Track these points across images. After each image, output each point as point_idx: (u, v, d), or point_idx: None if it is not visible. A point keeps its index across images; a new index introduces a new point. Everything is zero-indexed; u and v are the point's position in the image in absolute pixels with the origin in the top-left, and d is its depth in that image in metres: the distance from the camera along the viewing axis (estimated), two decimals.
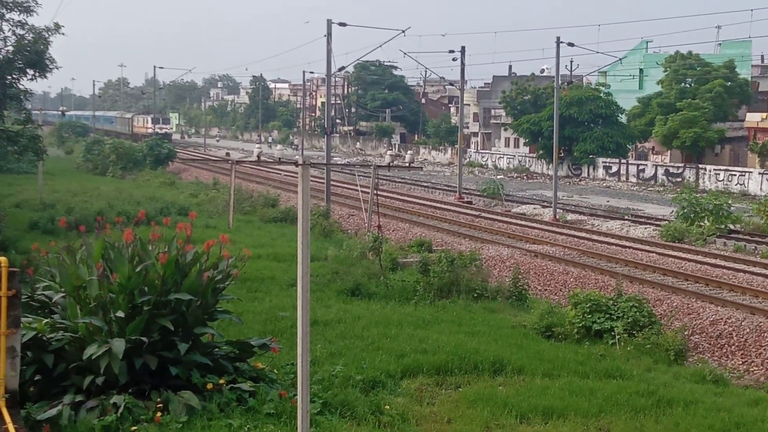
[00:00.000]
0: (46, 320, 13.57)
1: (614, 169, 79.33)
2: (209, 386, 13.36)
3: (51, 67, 35.94)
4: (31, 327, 13.09)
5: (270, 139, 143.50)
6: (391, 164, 35.07)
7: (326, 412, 13.87)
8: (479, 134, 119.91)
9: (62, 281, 13.86)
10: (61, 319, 13.74)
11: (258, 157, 32.45)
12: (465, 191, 62.11)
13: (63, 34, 35.94)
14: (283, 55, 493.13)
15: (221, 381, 13.59)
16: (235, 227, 39.89)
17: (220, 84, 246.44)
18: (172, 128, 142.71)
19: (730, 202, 45.39)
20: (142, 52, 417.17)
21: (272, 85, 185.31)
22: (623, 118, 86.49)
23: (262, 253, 31.34)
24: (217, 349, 14.50)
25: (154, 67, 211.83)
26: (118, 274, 13.39)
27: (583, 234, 42.58)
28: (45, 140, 46.25)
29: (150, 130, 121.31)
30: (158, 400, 12.78)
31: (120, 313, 13.13)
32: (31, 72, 35.45)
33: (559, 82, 54.35)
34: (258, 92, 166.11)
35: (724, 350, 23.76)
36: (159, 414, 12.48)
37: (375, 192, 37.13)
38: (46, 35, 35.09)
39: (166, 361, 13.32)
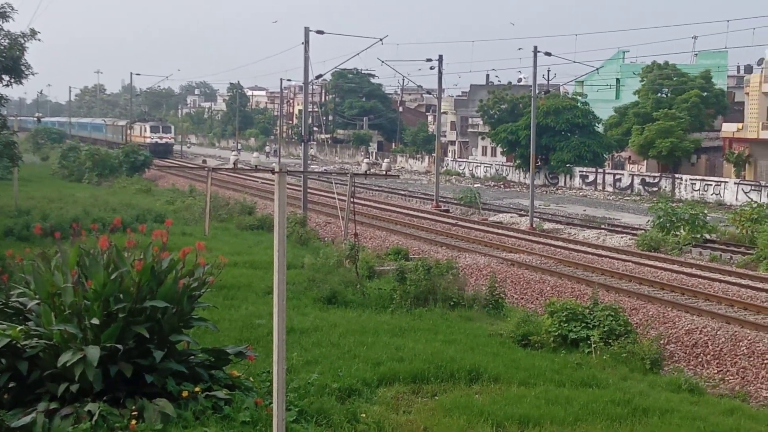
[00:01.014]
0: (20, 327, 13.46)
1: (591, 178, 79.61)
2: (184, 394, 13.30)
3: (27, 73, 35.73)
4: (5, 334, 13.00)
5: (239, 147, 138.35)
6: (367, 172, 35.03)
7: (302, 420, 13.84)
8: (456, 143, 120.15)
9: (37, 288, 13.78)
10: (36, 326, 13.64)
11: (234, 164, 32.39)
12: (442, 200, 62.21)
13: (39, 40, 35.76)
14: (260, 62, 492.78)
15: (197, 389, 13.53)
16: (212, 234, 39.78)
17: (197, 91, 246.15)
18: (173, 137, 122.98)
19: (705, 211, 45.58)
20: (119, 58, 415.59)
21: (249, 93, 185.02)
22: (600, 128, 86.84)
23: (239, 261, 31.27)
24: (192, 357, 14.44)
25: (131, 73, 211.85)
26: (93, 281, 13.32)
27: (560, 243, 42.67)
28: (20, 146, 45.98)
29: (149, 140, 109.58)
30: (133, 407, 12.71)
31: (95, 321, 13.06)
32: (6, 78, 35.25)
33: (537, 91, 54.50)
34: (235, 99, 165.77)
35: (700, 359, 23.83)
36: (134, 422, 12.41)
37: (352, 200, 37.12)
38: (22, 41, 34.89)
39: (141, 368, 13.25)
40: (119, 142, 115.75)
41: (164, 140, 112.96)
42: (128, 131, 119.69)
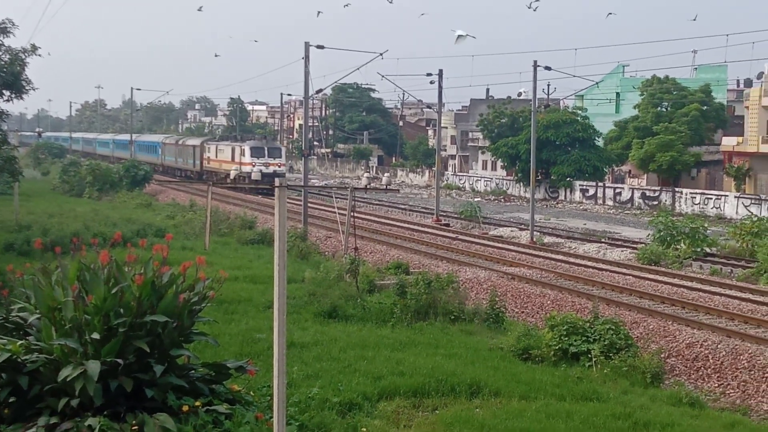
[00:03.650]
0: (20, 342, 13.44)
1: (591, 192, 79.65)
2: (185, 408, 13.26)
3: (27, 88, 35.80)
4: (5, 349, 12.98)
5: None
6: (368, 186, 35.08)
7: None
8: (457, 157, 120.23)
9: (37, 303, 13.76)
10: (36, 341, 13.62)
11: (234, 179, 32.47)
12: (442, 213, 62.18)
13: (39, 55, 35.84)
14: (261, 77, 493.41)
15: (197, 403, 13.49)
16: (212, 249, 39.74)
17: (197, 106, 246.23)
18: (284, 164, 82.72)
19: (706, 225, 45.54)
20: (120, 73, 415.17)
21: (250, 107, 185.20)
22: (600, 142, 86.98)
23: (239, 275, 31.24)
24: (193, 372, 14.41)
25: (131, 88, 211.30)
26: (93, 296, 13.30)
27: (560, 257, 42.65)
28: (21, 161, 46.02)
29: (247, 168, 74.41)
30: (133, 422, 12.67)
31: (95, 335, 13.04)
32: (7, 93, 35.30)
33: (537, 105, 54.59)
34: (235, 114, 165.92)
35: (701, 373, 23.82)
36: None
37: (352, 214, 37.11)
38: (23, 56, 34.96)
39: (141, 383, 13.22)
40: (189, 168, 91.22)
41: (272, 168, 75.90)
42: (204, 153, 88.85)
